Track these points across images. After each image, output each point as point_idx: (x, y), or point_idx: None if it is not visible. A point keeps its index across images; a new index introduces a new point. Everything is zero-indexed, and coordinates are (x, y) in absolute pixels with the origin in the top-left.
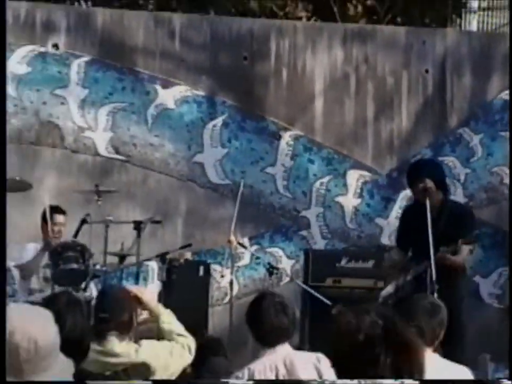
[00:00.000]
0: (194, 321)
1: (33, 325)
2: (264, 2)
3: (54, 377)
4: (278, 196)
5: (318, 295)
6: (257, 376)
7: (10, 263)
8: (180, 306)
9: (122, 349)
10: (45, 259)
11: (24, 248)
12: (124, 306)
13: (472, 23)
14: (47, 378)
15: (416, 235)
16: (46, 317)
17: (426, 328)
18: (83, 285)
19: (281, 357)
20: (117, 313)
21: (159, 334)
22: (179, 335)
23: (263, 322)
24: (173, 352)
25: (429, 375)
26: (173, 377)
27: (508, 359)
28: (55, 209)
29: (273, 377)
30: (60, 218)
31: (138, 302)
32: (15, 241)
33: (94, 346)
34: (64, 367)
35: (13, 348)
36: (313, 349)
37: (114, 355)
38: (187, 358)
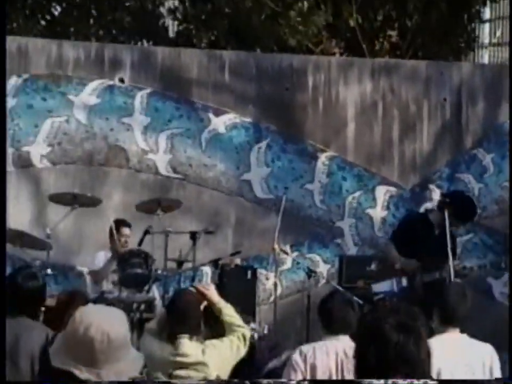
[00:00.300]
0: (243, 318)
1: (106, 321)
2: (302, 41)
3: (126, 368)
4: (315, 208)
5: (350, 295)
6: (318, 354)
7: (83, 269)
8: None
9: (192, 350)
10: (113, 265)
11: (95, 256)
12: (194, 312)
13: (484, 56)
14: (119, 369)
15: (420, 242)
16: (117, 314)
17: (459, 309)
18: (146, 287)
19: (342, 344)
20: (188, 318)
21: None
22: (238, 326)
23: (333, 313)
24: (232, 347)
25: (459, 353)
26: (229, 370)
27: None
28: (122, 223)
29: (334, 360)
30: (126, 230)
31: (203, 297)
32: (87, 250)
33: (167, 347)
34: (135, 359)
35: (88, 341)
36: None
37: (185, 355)
38: (242, 350)
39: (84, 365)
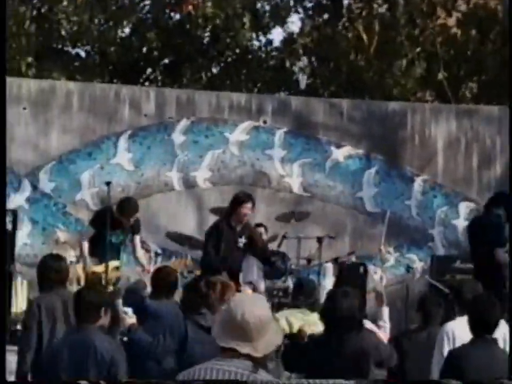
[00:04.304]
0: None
1: (255, 306)
2: (402, 91)
3: (272, 338)
4: (412, 219)
5: (440, 286)
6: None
7: None
8: None
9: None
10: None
11: None
12: None
13: None
14: (268, 340)
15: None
16: (261, 300)
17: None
18: (283, 278)
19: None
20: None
21: None
22: None
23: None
24: None
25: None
26: None
27: None
28: (259, 225)
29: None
30: (260, 229)
31: None
32: None
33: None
34: (277, 330)
35: (245, 323)
36: None
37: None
38: None
39: (243, 341)
